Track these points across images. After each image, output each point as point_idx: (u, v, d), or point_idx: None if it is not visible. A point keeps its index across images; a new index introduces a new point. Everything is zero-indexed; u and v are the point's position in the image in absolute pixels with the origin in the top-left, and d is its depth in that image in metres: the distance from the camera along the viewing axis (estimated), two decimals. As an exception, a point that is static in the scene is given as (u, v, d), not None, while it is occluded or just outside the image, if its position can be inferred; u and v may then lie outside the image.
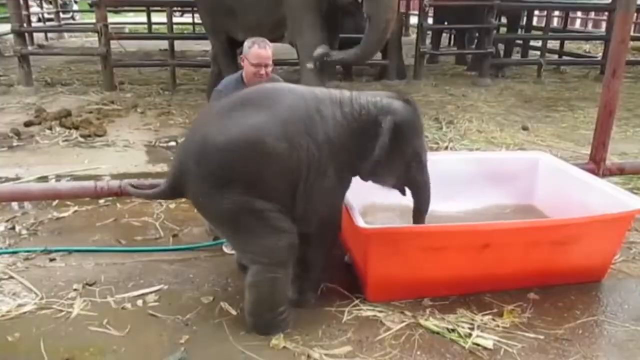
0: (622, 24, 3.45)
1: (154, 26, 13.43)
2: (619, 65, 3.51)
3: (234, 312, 2.64)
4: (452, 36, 13.37)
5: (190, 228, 3.55)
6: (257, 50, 3.04)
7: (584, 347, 2.45)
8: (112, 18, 11.20)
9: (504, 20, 10.43)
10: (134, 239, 3.40)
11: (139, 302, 2.72)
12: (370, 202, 3.31)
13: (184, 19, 15.40)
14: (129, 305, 2.69)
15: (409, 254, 2.63)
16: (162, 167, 4.71)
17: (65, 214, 3.72)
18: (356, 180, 2.60)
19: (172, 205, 3.88)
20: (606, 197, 3.00)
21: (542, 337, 2.51)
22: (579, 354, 2.41)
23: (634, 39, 8.49)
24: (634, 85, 8.72)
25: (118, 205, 3.88)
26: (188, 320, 2.58)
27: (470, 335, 2.48)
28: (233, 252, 3.22)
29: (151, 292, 2.80)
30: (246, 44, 3.10)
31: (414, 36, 10.96)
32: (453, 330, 2.52)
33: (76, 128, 5.67)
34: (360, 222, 2.56)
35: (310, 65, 5.35)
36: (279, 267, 2.41)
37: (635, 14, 3.58)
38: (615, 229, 2.92)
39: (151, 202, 3.89)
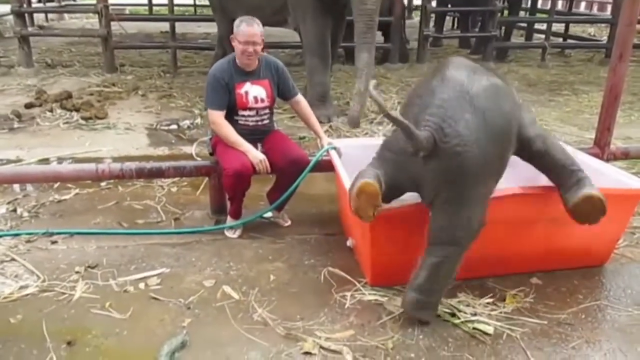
0: (630, 7, 3.39)
1: (154, 7, 13.33)
2: (625, 48, 3.46)
3: (236, 296, 2.64)
4: (456, 19, 13.25)
5: (192, 212, 3.54)
6: (245, 28, 3.02)
7: (586, 332, 2.45)
8: (112, -1, 11.10)
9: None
10: (136, 222, 3.39)
11: (141, 285, 2.72)
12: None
13: (184, 1, 15.24)
14: (131, 288, 2.69)
15: (411, 236, 2.61)
16: (164, 150, 4.69)
17: (67, 197, 3.71)
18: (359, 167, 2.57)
19: (174, 189, 3.87)
20: (611, 181, 2.97)
21: (544, 321, 2.50)
22: (581, 338, 2.40)
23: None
24: (639, 69, 8.64)
25: (120, 188, 3.87)
26: (190, 303, 2.58)
27: (472, 320, 2.48)
28: (235, 235, 3.22)
29: (153, 275, 2.80)
30: (235, 22, 3.09)
31: (417, 19, 10.85)
32: (455, 314, 2.52)
33: (77, 110, 5.64)
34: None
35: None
36: (465, 248, 2.39)
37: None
38: (620, 210, 2.88)
39: (153, 185, 3.89)
